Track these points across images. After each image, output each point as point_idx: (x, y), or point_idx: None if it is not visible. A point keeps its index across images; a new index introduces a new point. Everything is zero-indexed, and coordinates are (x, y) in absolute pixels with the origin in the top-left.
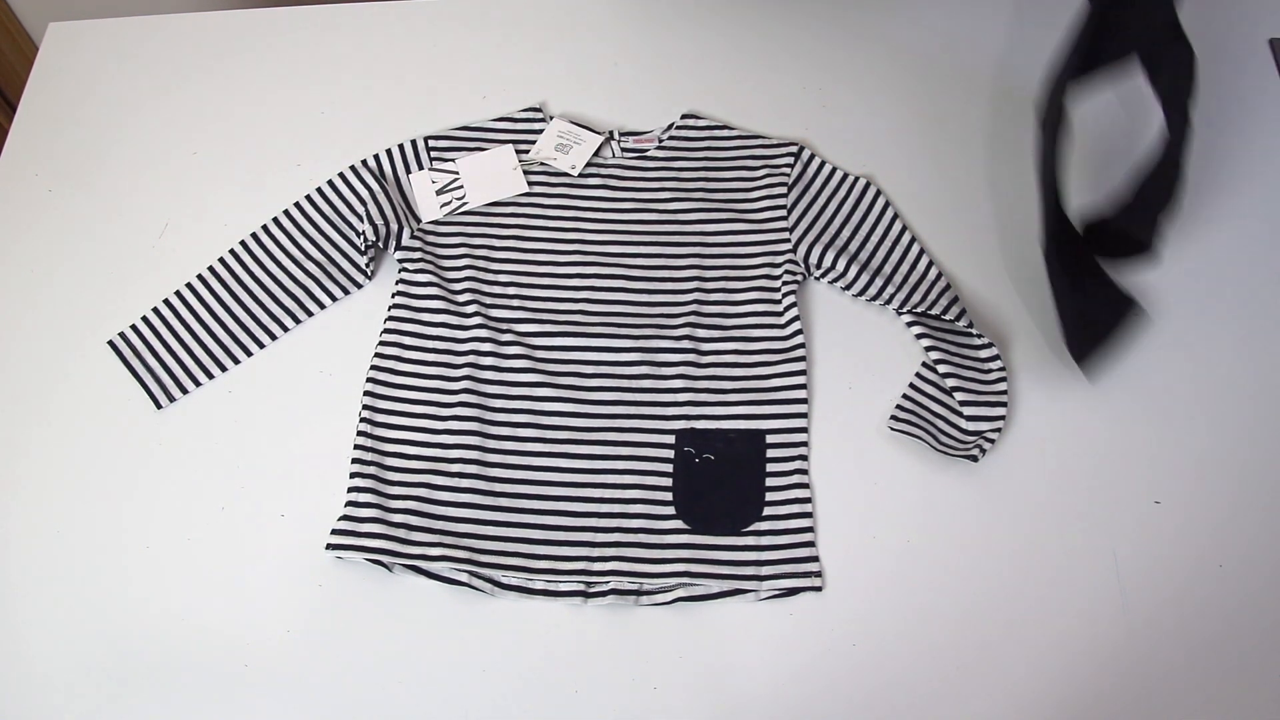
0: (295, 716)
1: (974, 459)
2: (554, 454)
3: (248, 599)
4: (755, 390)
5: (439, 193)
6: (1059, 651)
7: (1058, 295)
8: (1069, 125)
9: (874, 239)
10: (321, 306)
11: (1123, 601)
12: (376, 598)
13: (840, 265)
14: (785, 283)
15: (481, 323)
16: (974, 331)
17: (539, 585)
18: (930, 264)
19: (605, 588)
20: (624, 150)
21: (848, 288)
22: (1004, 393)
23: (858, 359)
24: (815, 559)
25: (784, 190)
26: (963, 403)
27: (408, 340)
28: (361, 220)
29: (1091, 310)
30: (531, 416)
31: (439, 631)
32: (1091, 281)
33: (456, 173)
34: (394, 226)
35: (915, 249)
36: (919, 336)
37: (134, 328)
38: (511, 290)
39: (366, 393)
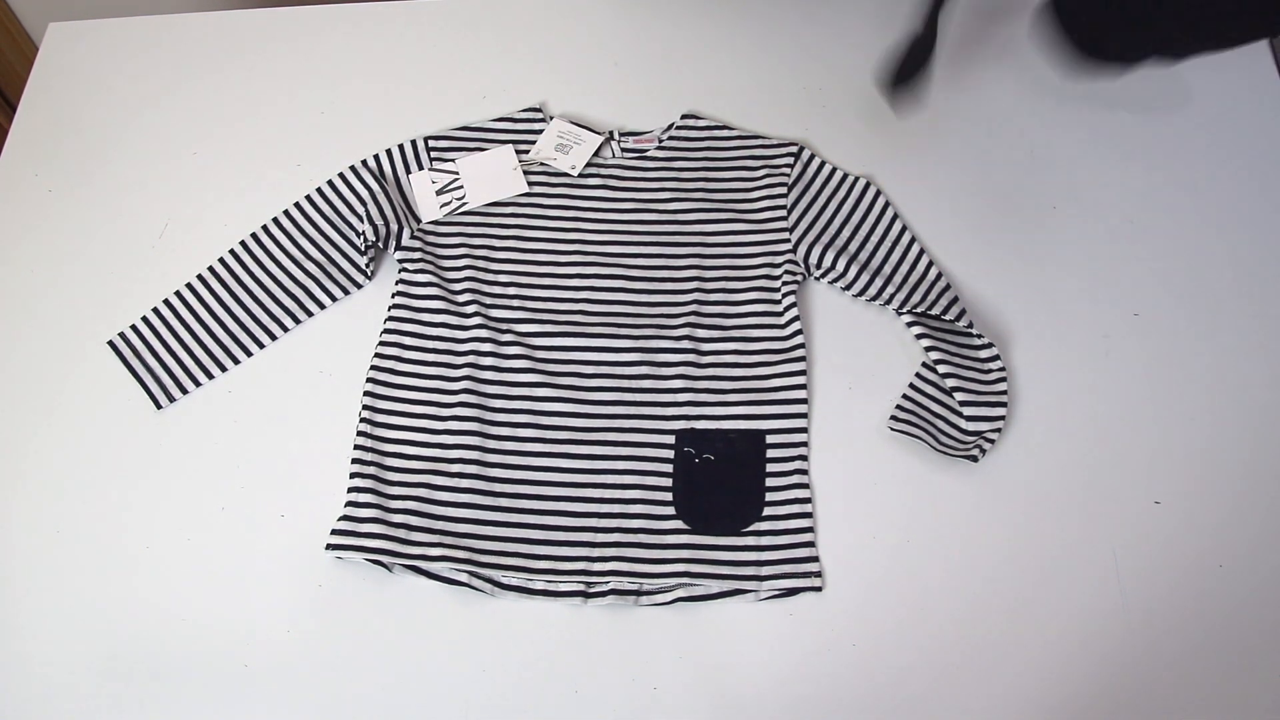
0: (295, 716)
1: (974, 459)
2: (554, 454)
3: (248, 599)
4: (755, 390)
5: (439, 193)
6: (1059, 651)
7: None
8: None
9: (874, 239)
10: (321, 307)
11: (1122, 601)
12: (376, 598)
13: (840, 265)
14: (785, 283)
15: (481, 323)
16: (974, 331)
17: (539, 585)
18: (930, 264)
19: (605, 588)
20: (624, 150)
21: (848, 288)
22: (1004, 393)
23: (858, 359)
24: (815, 559)
25: (784, 190)
26: (963, 403)
27: (408, 340)
28: (361, 220)
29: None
30: (531, 416)
31: (439, 631)
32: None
33: (456, 173)
34: (394, 227)
35: (915, 249)
36: (919, 336)
37: (134, 328)
38: (511, 290)
39: (366, 393)
